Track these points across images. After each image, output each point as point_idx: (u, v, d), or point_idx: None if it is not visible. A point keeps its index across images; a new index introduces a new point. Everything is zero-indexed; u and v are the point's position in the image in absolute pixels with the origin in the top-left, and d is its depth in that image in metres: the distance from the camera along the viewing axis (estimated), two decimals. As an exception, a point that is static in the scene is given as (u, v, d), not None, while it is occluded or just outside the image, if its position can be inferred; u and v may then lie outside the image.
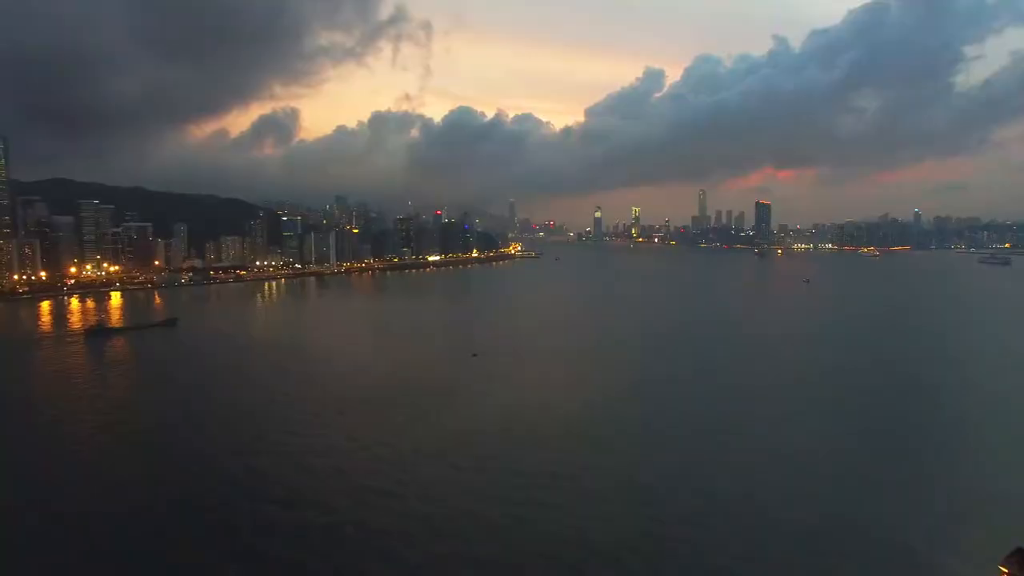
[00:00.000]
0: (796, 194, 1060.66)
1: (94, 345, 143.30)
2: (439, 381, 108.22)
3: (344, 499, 62.18)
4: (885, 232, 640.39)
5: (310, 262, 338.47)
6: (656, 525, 57.42)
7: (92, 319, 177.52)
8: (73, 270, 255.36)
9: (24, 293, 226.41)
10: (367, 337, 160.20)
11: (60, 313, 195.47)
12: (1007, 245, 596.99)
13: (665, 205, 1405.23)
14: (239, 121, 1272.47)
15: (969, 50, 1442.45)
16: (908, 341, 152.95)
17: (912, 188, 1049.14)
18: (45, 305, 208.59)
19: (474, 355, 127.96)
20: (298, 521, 57.65)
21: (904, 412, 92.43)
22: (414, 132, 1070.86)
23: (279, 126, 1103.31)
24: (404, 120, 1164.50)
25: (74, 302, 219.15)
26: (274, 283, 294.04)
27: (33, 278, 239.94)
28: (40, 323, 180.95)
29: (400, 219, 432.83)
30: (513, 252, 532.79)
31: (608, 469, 70.28)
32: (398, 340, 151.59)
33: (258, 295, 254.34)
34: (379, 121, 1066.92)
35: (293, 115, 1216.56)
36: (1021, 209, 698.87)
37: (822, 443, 79.40)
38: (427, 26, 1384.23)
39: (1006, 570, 35.07)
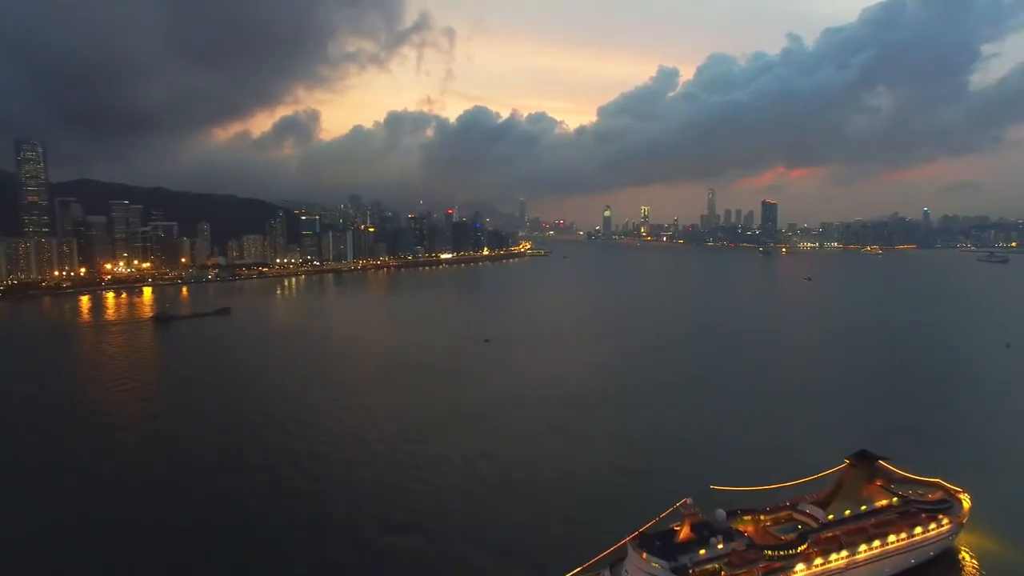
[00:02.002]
0: (807, 193, 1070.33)
1: (162, 330, 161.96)
2: (454, 362, 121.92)
3: (362, 456, 74.57)
4: (891, 231, 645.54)
5: (328, 260, 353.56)
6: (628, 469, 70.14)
7: (148, 310, 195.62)
8: (108, 266, 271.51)
9: (67, 288, 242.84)
10: (388, 327, 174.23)
11: (107, 306, 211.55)
12: (1013, 244, 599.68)
13: (675, 204, 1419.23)
14: (263, 124, 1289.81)
15: (987, 48, 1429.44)
16: (874, 326, 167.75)
17: (924, 187, 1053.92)
18: (85, 299, 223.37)
19: (486, 341, 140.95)
20: (325, 475, 69.42)
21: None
22: (429, 132, 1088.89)
23: (300, 127, 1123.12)
24: (419, 120, 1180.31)
25: (110, 296, 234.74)
26: (295, 279, 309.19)
27: (72, 274, 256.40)
28: (99, 314, 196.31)
29: (413, 218, 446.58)
30: (523, 250, 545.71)
31: (595, 425, 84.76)
32: (416, 329, 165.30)
33: (283, 290, 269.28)
34: (395, 121, 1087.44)
35: (314, 116, 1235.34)
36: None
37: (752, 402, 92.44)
38: (450, 32, 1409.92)
39: (847, 461, 49.20)
